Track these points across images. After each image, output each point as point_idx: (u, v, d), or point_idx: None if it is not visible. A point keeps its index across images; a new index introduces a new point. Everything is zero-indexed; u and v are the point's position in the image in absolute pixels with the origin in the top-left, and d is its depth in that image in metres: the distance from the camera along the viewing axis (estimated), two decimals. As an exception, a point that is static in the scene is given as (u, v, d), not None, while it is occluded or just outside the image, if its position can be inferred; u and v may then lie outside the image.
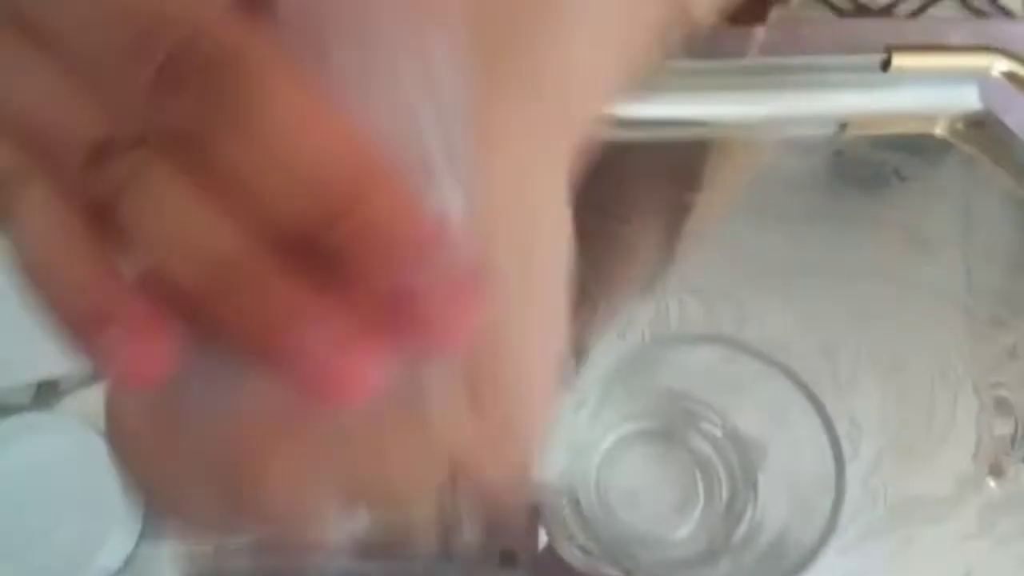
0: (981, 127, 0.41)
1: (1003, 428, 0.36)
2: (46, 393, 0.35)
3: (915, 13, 0.50)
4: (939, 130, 0.41)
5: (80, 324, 0.14)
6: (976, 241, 0.39)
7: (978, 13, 0.51)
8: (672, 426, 0.33)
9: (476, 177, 0.14)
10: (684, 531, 0.31)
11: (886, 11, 0.49)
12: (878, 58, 0.39)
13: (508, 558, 0.32)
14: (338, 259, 0.12)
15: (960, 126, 0.41)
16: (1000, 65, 0.39)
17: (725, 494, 0.31)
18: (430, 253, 0.13)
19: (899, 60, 0.39)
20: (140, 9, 0.13)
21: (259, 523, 0.17)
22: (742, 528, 0.29)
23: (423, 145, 0.13)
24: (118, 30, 0.13)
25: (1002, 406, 0.36)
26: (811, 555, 0.22)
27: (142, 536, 0.33)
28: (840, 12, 0.48)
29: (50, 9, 0.13)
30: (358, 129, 0.13)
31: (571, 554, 0.33)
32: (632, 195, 0.39)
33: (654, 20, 0.20)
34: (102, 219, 0.13)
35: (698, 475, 0.32)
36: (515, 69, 0.17)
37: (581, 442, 0.26)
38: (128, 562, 0.33)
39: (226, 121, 0.12)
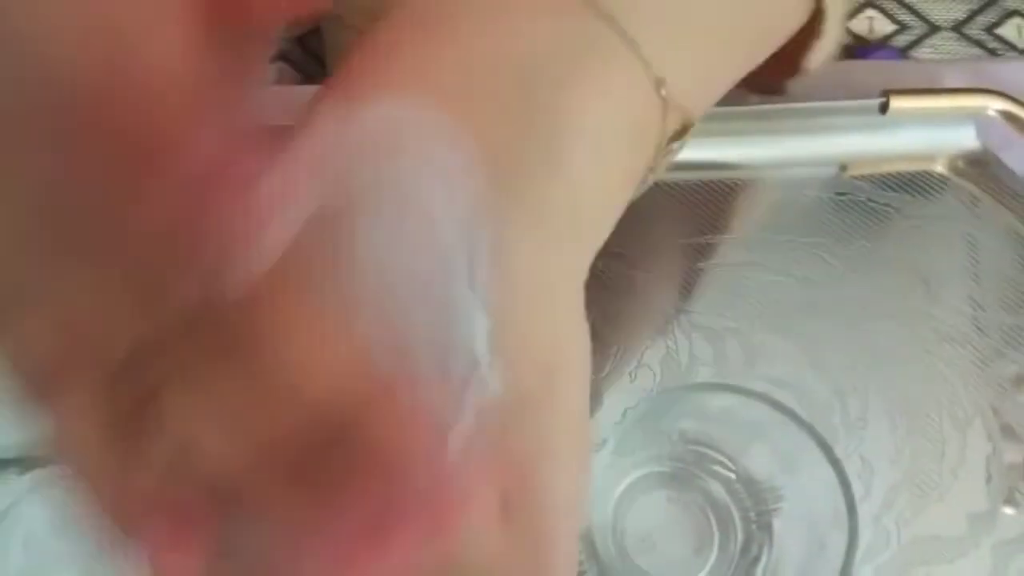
0: (980, 165, 0.42)
1: (1014, 458, 0.36)
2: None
3: (913, 45, 0.51)
4: (939, 168, 0.42)
5: (114, 531, 0.15)
6: (979, 278, 0.40)
7: (976, 43, 0.52)
8: (686, 470, 0.33)
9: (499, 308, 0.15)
10: (701, 575, 0.32)
11: (884, 41, 0.50)
12: (876, 102, 0.40)
13: None
14: (344, 472, 0.14)
15: (960, 164, 0.42)
16: (996, 104, 0.40)
17: (740, 537, 0.31)
18: (428, 462, 0.14)
19: (897, 102, 0.40)
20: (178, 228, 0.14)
21: None
22: (758, 571, 0.29)
23: (455, 284, 0.14)
24: (160, 247, 0.14)
25: (1010, 436, 0.36)
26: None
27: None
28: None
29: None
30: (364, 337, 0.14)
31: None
32: (647, 240, 0.40)
33: (657, 137, 0.21)
34: (130, 417, 0.15)
35: (712, 519, 0.33)
36: (526, 196, 0.17)
37: (596, 487, 0.27)
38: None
39: (233, 360, 0.14)
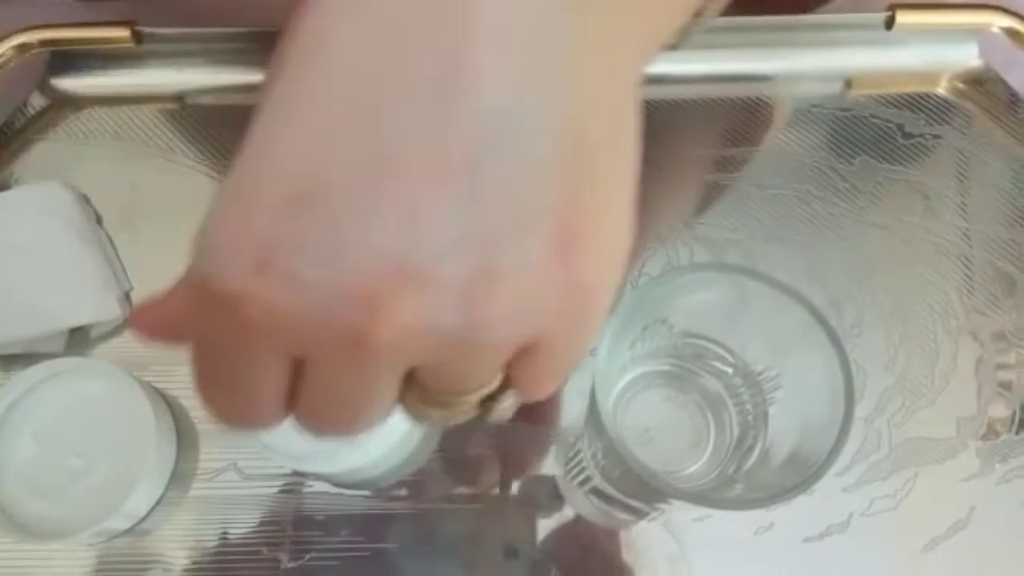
0: (981, 84, 0.42)
1: (1004, 364, 0.37)
2: (78, 340, 0.36)
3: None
4: (941, 89, 0.42)
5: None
6: (975, 194, 0.40)
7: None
8: (684, 369, 0.34)
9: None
10: (695, 467, 0.33)
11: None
12: (882, 16, 0.40)
13: (511, 551, 0.34)
14: None
15: (960, 85, 0.42)
16: (1000, 21, 0.40)
17: (736, 431, 0.32)
18: None
19: (903, 17, 0.40)
20: None
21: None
22: (752, 458, 0.30)
23: None
24: None
25: (1000, 341, 0.37)
26: (823, 468, 0.23)
27: (172, 479, 0.34)
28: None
29: None
30: None
31: (584, 505, 0.35)
32: (654, 153, 0.40)
33: None
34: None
35: (709, 416, 0.33)
36: None
37: (595, 385, 0.27)
38: (158, 504, 0.34)
39: None
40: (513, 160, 0.15)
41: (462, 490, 0.35)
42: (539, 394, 0.19)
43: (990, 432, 0.35)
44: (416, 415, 0.19)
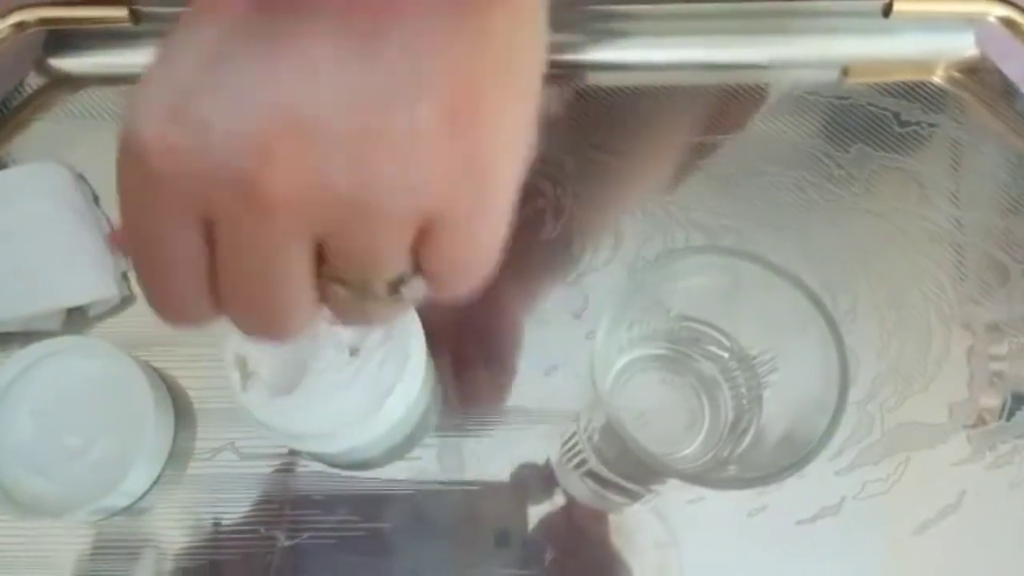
0: (977, 73, 0.42)
1: (996, 350, 0.37)
2: (76, 319, 0.36)
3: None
4: (937, 78, 0.43)
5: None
6: (970, 183, 0.40)
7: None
8: (680, 353, 0.34)
9: None
10: (689, 449, 0.33)
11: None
12: (880, 3, 0.40)
13: (502, 537, 0.34)
14: None
15: (957, 74, 0.43)
16: (997, 11, 0.40)
17: (731, 415, 0.32)
18: None
19: (900, 5, 0.40)
20: None
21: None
22: (746, 441, 0.30)
23: None
24: None
25: (993, 330, 0.37)
26: (818, 448, 0.24)
27: (170, 458, 0.35)
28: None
29: None
30: None
31: (578, 488, 0.35)
32: (651, 140, 0.41)
33: None
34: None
35: (704, 400, 0.34)
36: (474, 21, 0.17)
37: (592, 369, 0.27)
38: (155, 483, 0.34)
39: None
40: (416, 27, 0.16)
41: (455, 474, 0.35)
42: (448, 283, 0.20)
43: (981, 419, 0.36)
44: (335, 301, 0.20)
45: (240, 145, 0.16)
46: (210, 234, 0.17)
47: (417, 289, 0.20)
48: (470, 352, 0.37)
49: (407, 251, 0.19)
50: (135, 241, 0.18)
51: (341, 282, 0.19)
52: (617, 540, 0.34)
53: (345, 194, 0.16)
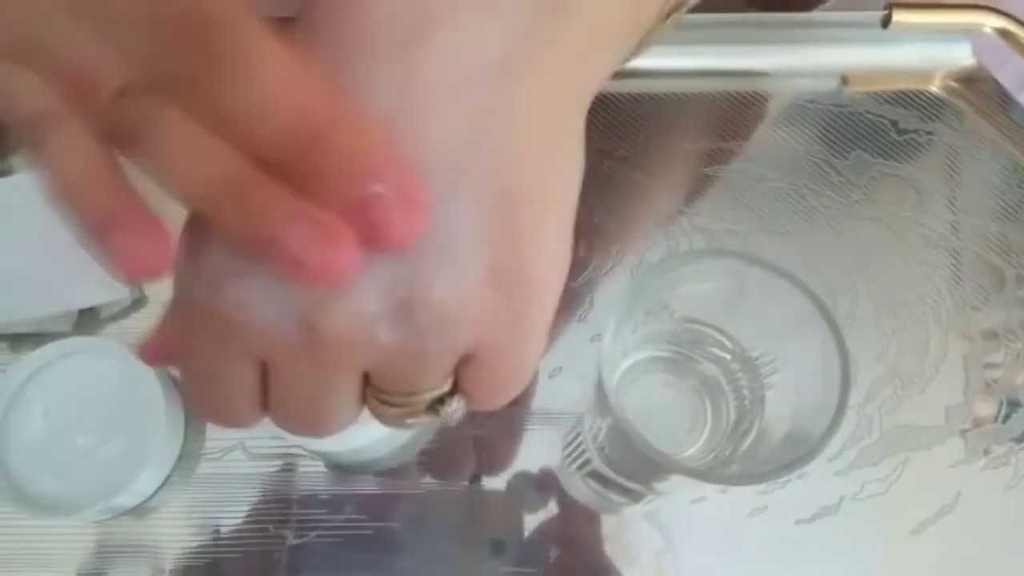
0: (973, 83, 0.43)
1: (992, 362, 0.38)
2: (87, 321, 0.37)
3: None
4: (934, 87, 0.43)
5: (97, 230, 0.17)
6: (966, 190, 0.41)
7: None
8: (684, 354, 0.34)
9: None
10: (691, 450, 0.33)
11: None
12: (879, 14, 0.41)
13: (498, 546, 0.34)
14: (310, 178, 0.16)
15: (953, 83, 0.43)
16: (993, 22, 0.41)
17: (732, 415, 0.33)
18: (381, 174, 0.16)
19: (899, 16, 0.41)
20: None
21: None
22: (748, 441, 0.31)
23: None
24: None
25: (990, 337, 0.38)
26: (819, 445, 0.24)
27: (179, 458, 0.35)
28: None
29: None
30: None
31: (581, 489, 0.35)
32: (654, 145, 0.41)
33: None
34: (118, 147, 0.17)
35: (707, 401, 0.34)
36: (539, 30, 0.19)
37: (602, 367, 0.28)
38: (165, 482, 0.35)
39: (222, 73, 0.16)
40: (448, 208, 0.17)
41: (456, 476, 0.35)
42: (487, 402, 0.21)
43: (976, 421, 0.37)
44: (377, 414, 0.21)
45: (288, 320, 0.18)
46: (263, 365, 0.19)
47: (456, 409, 0.21)
48: None
49: (447, 378, 0.20)
50: (191, 368, 0.20)
51: (384, 402, 0.21)
52: (612, 549, 0.34)
53: (390, 343, 0.18)
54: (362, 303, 0.18)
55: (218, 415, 0.21)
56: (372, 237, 0.16)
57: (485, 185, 0.18)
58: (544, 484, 0.35)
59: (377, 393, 0.21)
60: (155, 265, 0.17)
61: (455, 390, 0.21)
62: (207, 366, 0.19)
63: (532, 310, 0.19)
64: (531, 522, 0.35)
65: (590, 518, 0.35)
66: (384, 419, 0.22)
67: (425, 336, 0.18)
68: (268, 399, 0.20)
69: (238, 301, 0.17)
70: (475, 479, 0.35)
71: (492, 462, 0.35)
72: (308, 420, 0.21)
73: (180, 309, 0.19)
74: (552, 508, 0.35)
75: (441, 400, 0.21)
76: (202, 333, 0.19)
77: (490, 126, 0.18)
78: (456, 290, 0.18)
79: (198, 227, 0.18)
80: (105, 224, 0.17)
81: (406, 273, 0.18)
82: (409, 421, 0.22)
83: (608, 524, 0.35)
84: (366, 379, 0.20)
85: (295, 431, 0.21)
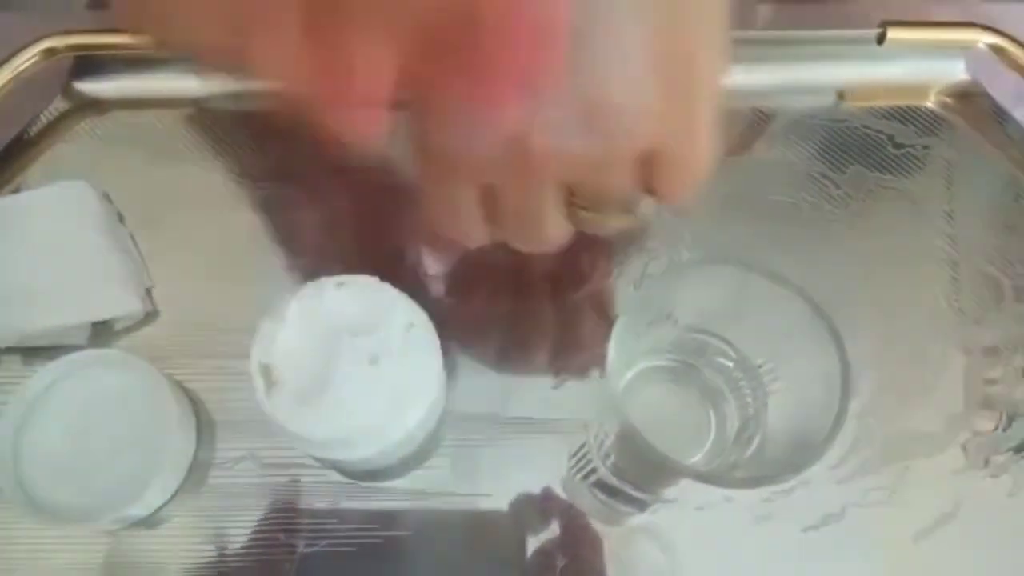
0: (967, 98, 0.44)
1: (991, 377, 0.39)
2: (101, 333, 0.38)
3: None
4: (930, 102, 0.44)
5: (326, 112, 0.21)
6: (962, 203, 0.42)
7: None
8: (687, 364, 0.35)
9: None
10: (695, 458, 0.34)
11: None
12: (874, 32, 0.42)
13: (501, 566, 0.34)
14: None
15: (948, 98, 0.44)
16: (986, 38, 0.42)
17: (736, 423, 0.34)
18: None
19: (893, 33, 0.42)
20: None
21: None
22: (751, 448, 0.31)
23: None
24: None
25: (990, 351, 0.39)
26: (823, 447, 0.25)
27: (191, 468, 0.36)
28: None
29: None
30: None
31: (586, 499, 0.36)
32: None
33: None
34: None
35: (710, 410, 0.35)
36: None
37: (609, 375, 0.28)
38: (177, 492, 0.35)
39: None
40: (617, 22, 0.21)
41: (468, 484, 0.36)
42: (673, 196, 0.25)
43: (976, 432, 0.37)
44: (581, 222, 0.27)
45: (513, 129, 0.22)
46: (484, 188, 0.25)
47: (647, 207, 0.26)
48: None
49: (633, 180, 0.24)
50: (432, 198, 0.26)
51: (585, 209, 0.26)
52: (617, 562, 0.35)
53: (582, 149, 0.22)
54: (555, 116, 0.21)
55: (455, 230, 0.27)
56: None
57: None
58: (546, 505, 0.36)
59: (576, 200, 0.25)
60: (376, 126, 0.21)
61: (645, 191, 0.25)
62: (446, 191, 0.25)
63: (700, 106, 0.23)
64: (533, 543, 0.35)
65: (592, 538, 0.35)
66: (587, 226, 0.27)
67: (611, 138, 0.22)
68: (495, 218, 0.26)
69: (463, 138, 0.22)
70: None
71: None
72: (526, 230, 0.26)
73: (420, 154, 0.24)
74: (554, 528, 0.35)
75: (633, 201, 0.26)
76: (439, 167, 0.24)
77: None
78: (632, 95, 0.21)
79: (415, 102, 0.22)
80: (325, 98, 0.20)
81: (588, 86, 0.21)
82: (612, 223, 0.27)
83: (610, 543, 0.35)
84: (571, 196, 0.25)
85: (516, 243, 0.27)
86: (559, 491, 0.36)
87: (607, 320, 0.39)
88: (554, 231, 0.27)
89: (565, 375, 0.38)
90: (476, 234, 0.27)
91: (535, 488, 0.36)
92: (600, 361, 0.29)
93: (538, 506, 0.36)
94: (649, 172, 0.24)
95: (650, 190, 0.25)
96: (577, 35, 0.20)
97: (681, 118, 0.22)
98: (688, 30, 0.22)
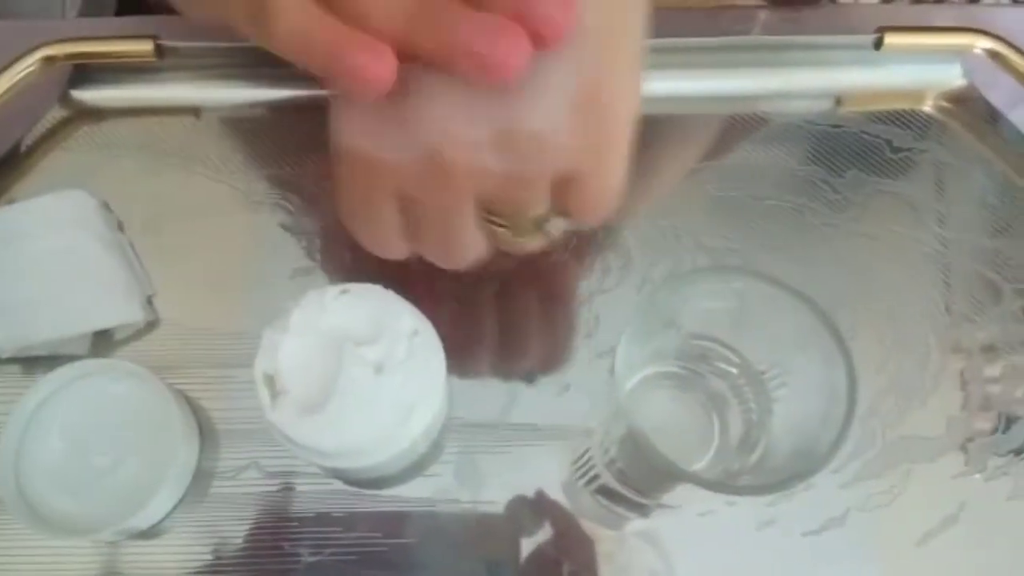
0: (964, 102, 0.45)
1: (991, 376, 0.39)
2: (101, 342, 0.37)
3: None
4: (927, 106, 0.45)
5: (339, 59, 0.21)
6: (960, 206, 0.42)
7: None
8: (691, 370, 0.35)
9: None
10: (700, 464, 0.34)
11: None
12: (871, 37, 0.42)
13: (494, 568, 0.35)
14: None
15: (945, 103, 0.45)
16: (982, 43, 0.42)
17: (740, 429, 0.34)
18: None
19: (891, 39, 0.42)
20: None
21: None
22: (755, 455, 0.31)
23: None
24: None
25: (987, 350, 0.39)
26: (829, 455, 0.25)
27: (194, 477, 0.35)
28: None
29: None
30: None
31: (588, 505, 0.36)
32: (651, 167, 0.42)
33: None
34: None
35: (714, 416, 0.35)
36: None
37: (616, 380, 0.28)
38: (180, 501, 0.35)
39: None
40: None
41: (471, 491, 0.36)
42: (583, 218, 0.26)
43: (976, 434, 0.37)
44: (492, 237, 0.27)
45: (425, 159, 0.23)
46: (403, 203, 0.25)
47: (556, 226, 0.28)
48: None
49: (546, 200, 0.25)
50: (352, 210, 0.27)
51: (499, 224, 0.27)
52: (612, 563, 0.35)
53: (497, 169, 0.23)
54: (473, 136, 0.22)
55: (374, 243, 0.28)
56: (537, 37, 0.20)
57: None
58: (541, 507, 0.36)
59: (491, 217, 0.26)
60: (384, 77, 0.21)
61: (557, 212, 0.26)
62: (367, 204, 0.26)
63: (613, 133, 0.24)
64: (528, 545, 0.35)
65: (586, 541, 0.35)
66: (499, 241, 0.28)
67: (525, 161, 0.23)
68: (414, 235, 0.27)
69: (379, 147, 0.23)
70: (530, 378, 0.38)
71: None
72: (444, 245, 0.27)
73: (342, 160, 0.25)
74: (548, 530, 0.35)
75: (545, 219, 0.27)
76: (367, 176, 0.25)
77: None
78: (547, 121, 0.22)
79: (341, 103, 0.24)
80: (337, 48, 0.21)
81: (508, 110, 0.22)
82: (520, 240, 0.28)
83: (605, 545, 0.35)
84: (486, 213, 0.26)
85: (435, 259, 0.28)
86: (555, 495, 0.36)
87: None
88: (471, 247, 0.27)
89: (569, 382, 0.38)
90: (394, 248, 0.28)
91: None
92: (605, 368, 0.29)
93: (530, 507, 0.36)
94: (563, 194, 0.25)
95: (563, 211, 0.26)
96: None
97: (593, 145, 0.23)
98: (603, 62, 0.22)
